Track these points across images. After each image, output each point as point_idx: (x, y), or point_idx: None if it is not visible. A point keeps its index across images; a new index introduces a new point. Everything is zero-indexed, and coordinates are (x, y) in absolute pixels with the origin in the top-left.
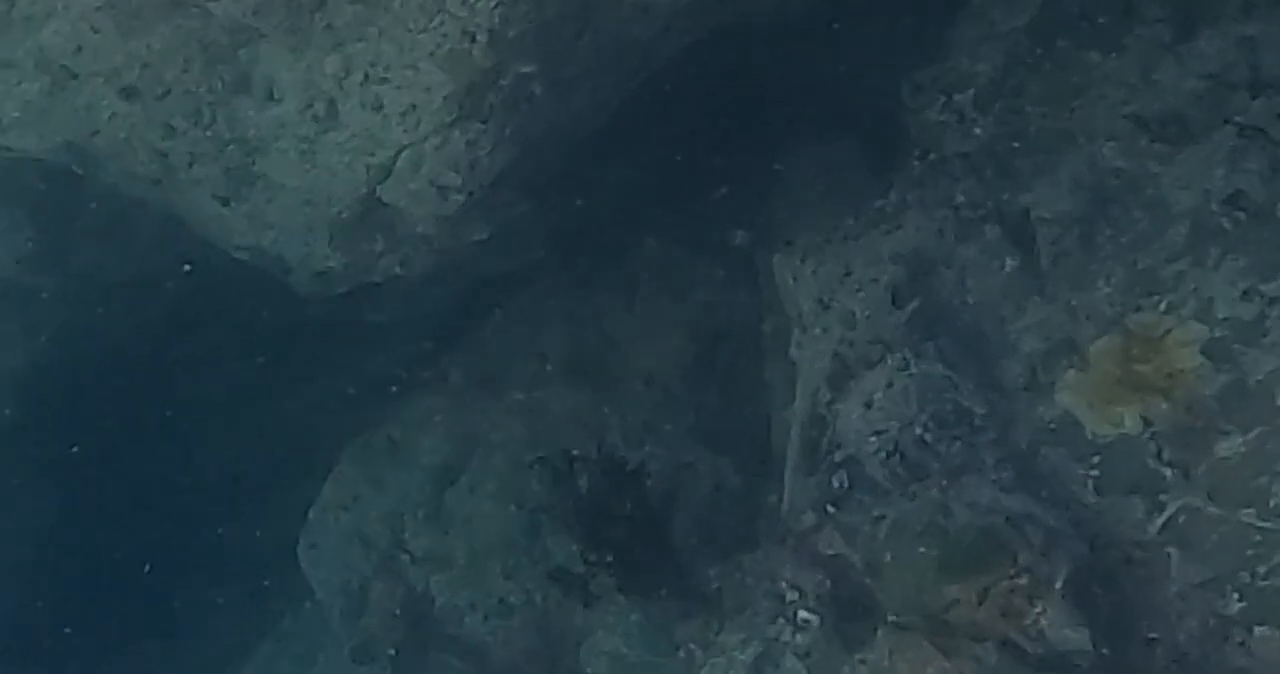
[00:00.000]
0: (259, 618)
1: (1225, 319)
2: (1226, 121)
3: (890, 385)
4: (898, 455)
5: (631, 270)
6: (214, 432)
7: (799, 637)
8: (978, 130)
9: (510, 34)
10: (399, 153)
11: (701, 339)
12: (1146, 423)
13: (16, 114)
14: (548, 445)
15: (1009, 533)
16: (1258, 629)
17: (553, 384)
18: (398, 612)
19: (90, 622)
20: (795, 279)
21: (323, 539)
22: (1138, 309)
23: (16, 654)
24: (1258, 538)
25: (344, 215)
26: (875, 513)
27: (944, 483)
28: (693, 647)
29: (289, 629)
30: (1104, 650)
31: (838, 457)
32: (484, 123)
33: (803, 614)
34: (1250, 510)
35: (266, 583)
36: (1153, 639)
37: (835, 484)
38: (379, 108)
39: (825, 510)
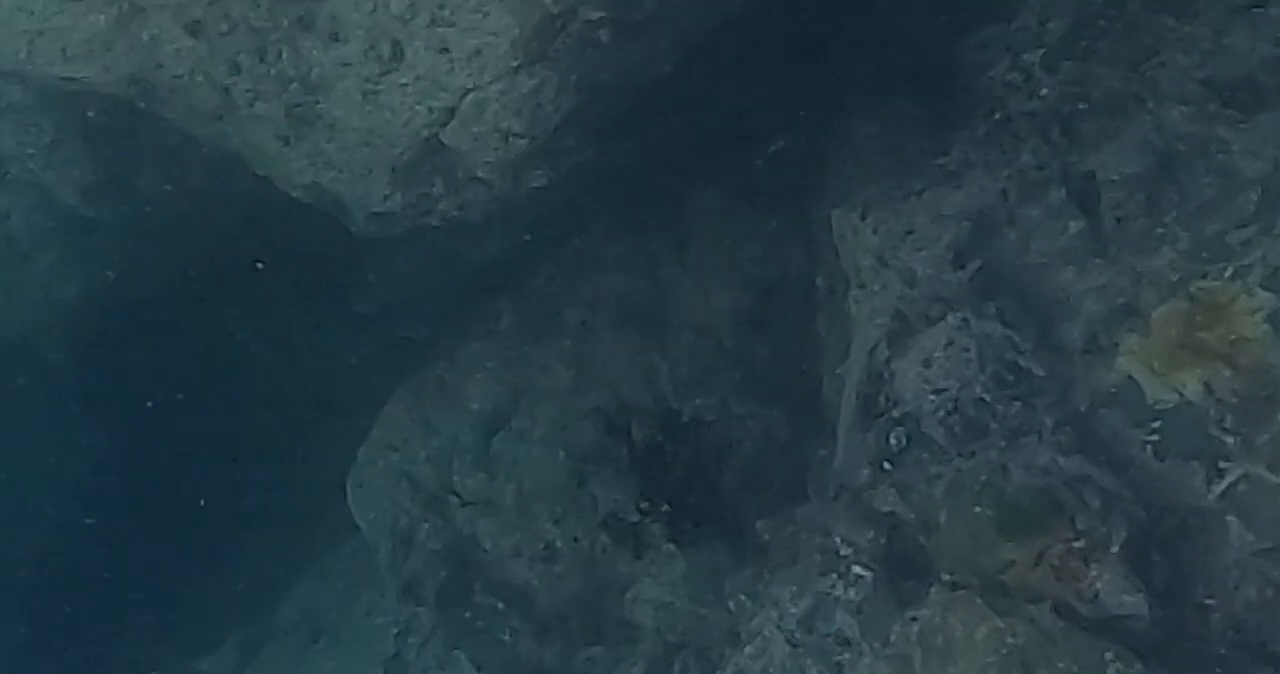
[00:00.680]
0: (303, 555)
1: None
2: None
3: (950, 344)
4: (956, 414)
5: (685, 220)
6: (265, 368)
7: (851, 591)
8: (1044, 90)
9: None
10: (463, 96)
11: (753, 291)
12: (1208, 390)
13: (82, 46)
14: (598, 394)
15: (1067, 495)
16: None
17: (604, 333)
18: (444, 553)
19: (137, 553)
20: (854, 234)
21: (370, 479)
22: (1204, 276)
23: (65, 586)
24: None
25: (404, 157)
26: (932, 471)
27: (1002, 443)
28: (742, 598)
29: (331, 567)
30: (1159, 615)
31: (895, 414)
32: (549, 68)
33: (856, 569)
34: None
35: (311, 521)
36: (1209, 606)
37: (892, 441)
38: (444, 50)
39: (881, 467)
